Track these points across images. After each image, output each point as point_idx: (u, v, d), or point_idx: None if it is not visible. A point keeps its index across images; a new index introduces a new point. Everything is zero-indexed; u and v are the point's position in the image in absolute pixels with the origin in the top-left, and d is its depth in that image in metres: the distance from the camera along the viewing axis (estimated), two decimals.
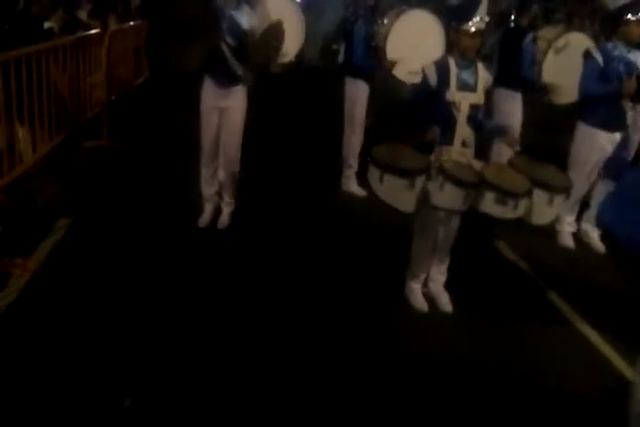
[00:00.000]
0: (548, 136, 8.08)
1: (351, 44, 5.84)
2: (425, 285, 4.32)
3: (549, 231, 5.33)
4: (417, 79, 4.91)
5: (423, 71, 3.95)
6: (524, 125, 6.53)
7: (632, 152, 5.61)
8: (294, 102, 10.04)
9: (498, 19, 8.54)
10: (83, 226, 4.94)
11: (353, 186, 6.30)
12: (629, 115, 5.19)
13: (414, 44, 5.27)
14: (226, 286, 4.28)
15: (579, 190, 5.34)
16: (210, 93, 4.88)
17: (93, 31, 6.96)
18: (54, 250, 4.51)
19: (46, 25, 6.72)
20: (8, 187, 4.90)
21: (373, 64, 5.69)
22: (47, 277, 4.13)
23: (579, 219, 5.59)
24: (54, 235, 4.71)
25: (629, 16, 4.97)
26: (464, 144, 3.92)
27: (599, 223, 1.97)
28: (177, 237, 4.93)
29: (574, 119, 5.39)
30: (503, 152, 6.31)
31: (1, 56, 4.47)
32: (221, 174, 5.19)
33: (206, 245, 4.84)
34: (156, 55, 7.80)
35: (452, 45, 4.01)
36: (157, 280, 4.25)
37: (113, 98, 7.29)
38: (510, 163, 3.96)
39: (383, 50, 5.34)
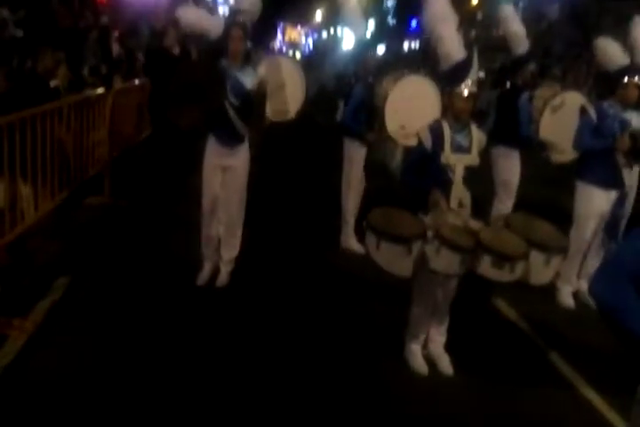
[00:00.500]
0: (547, 192, 8.16)
1: (349, 106, 5.97)
2: (424, 346, 4.28)
3: (549, 288, 5.30)
4: (414, 142, 5.02)
5: (418, 135, 4.02)
6: (523, 181, 6.59)
7: (629, 210, 5.63)
8: (294, 159, 10.18)
9: (493, 78, 8.78)
10: (81, 285, 4.93)
11: (352, 243, 6.32)
12: (625, 172, 5.25)
13: (412, 108, 5.38)
14: (224, 346, 4.24)
15: (580, 249, 5.35)
16: (213, 152, 4.94)
17: (98, 90, 7.11)
18: (52, 310, 4.48)
19: (52, 83, 6.86)
20: (8, 244, 4.92)
21: (371, 125, 5.81)
22: (45, 337, 4.10)
23: (577, 276, 5.58)
24: (52, 294, 4.70)
25: (628, 79, 5.10)
26: (460, 205, 3.95)
27: (589, 291, 1.98)
28: (175, 295, 4.91)
29: (572, 175, 5.45)
30: (502, 208, 6.39)
31: (6, 118, 4.55)
32: (221, 232, 5.21)
33: (204, 304, 4.81)
34: (159, 112, 7.94)
35: (446, 109, 4.09)
36: (156, 339, 4.22)
37: (115, 155, 7.39)
38: (507, 223, 3.98)
39: (382, 111, 5.45)
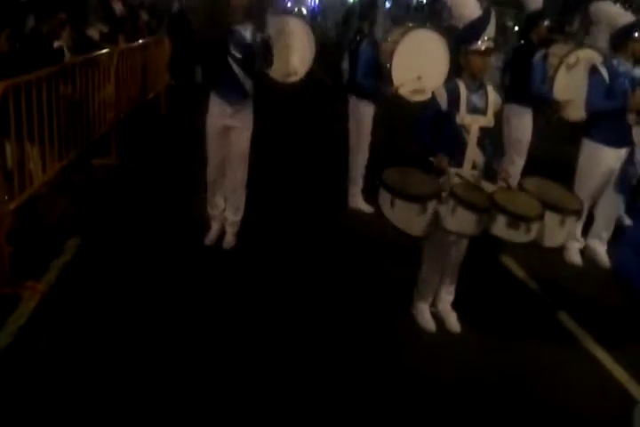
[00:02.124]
0: (559, 150, 8.09)
1: (356, 64, 5.85)
2: (433, 304, 4.32)
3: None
4: (422, 97, 4.93)
5: (433, 94, 3.94)
6: (535, 139, 6.52)
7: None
8: (300, 119, 10.08)
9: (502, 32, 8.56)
10: (92, 245, 4.96)
11: (360, 203, 6.32)
12: (635, 130, 5.20)
13: (419, 63, 5.28)
14: (231, 306, 4.29)
15: (584, 206, 5.35)
16: (217, 112, 4.89)
17: (103, 51, 7.01)
18: (65, 271, 4.52)
19: (56, 44, 6.76)
20: (18, 207, 4.92)
21: (378, 84, 5.71)
22: (58, 298, 4.15)
23: (584, 234, 5.59)
24: (64, 255, 4.73)
25: (638, 33, 5.01)
26: (474, 166, 3.92)
27: (613, 268, 2.00)
28: (184, 255, 4.95)
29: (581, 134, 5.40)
30: (513, 168, 6.31)
31: (12, 81, 4.49)
32: (227, 193, 5.21)
33: (212, 264, 4.85)
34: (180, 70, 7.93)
35: (460, 68, 3.99)
36: (165, 299, 4.27)
37: (122, 116, 7.34)
38: (520, 185, 3.95)
39: (389, 68, 5.35)
